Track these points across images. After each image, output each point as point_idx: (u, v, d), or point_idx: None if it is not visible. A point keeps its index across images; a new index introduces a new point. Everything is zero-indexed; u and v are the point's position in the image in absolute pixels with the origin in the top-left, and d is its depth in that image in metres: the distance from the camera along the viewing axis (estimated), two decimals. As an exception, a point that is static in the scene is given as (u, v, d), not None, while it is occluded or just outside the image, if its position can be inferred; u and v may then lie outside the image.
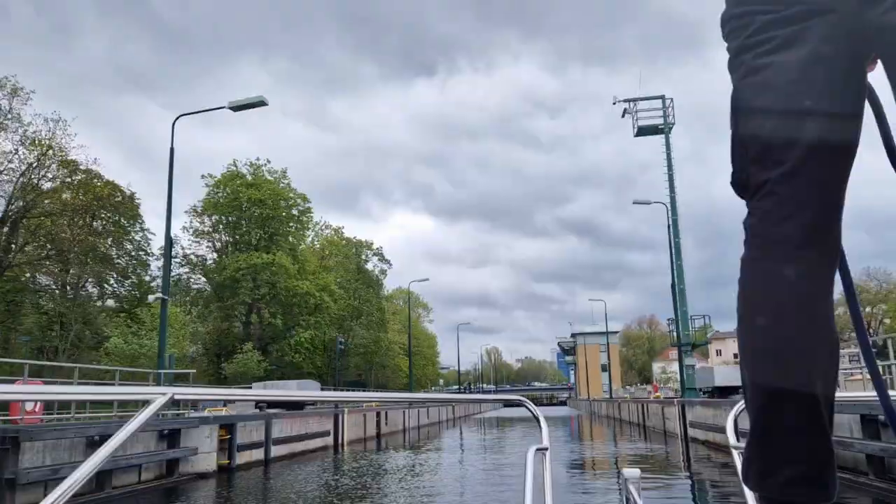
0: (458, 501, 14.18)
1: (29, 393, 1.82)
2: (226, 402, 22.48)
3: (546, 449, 2.37)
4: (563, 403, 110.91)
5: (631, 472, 2.13)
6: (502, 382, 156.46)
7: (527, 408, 2.58)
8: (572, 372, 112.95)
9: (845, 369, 25.16)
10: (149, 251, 42.54)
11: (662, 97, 41.97)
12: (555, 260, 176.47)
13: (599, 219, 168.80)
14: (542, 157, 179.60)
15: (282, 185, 48.11)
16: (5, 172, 32.64)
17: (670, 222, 37.78)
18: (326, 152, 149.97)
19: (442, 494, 14.88)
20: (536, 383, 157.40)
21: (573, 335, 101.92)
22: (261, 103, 21.02)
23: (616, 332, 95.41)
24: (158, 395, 1.44)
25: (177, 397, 1.50)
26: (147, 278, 41.93)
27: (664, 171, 39.81)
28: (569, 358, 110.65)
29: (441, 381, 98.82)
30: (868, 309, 62.73)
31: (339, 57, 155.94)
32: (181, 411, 20.91)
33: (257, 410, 23.64)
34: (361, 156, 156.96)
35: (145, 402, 1.43)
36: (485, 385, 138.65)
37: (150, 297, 33.97)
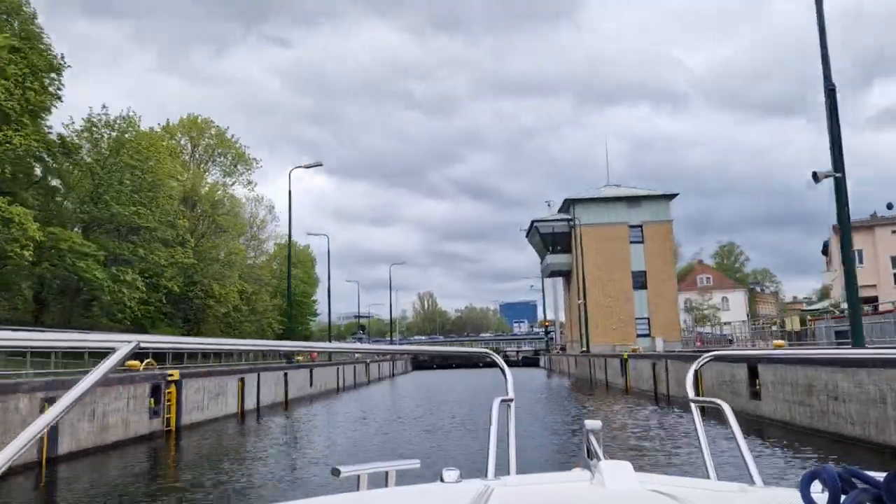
0: (426, 450, 15.75)
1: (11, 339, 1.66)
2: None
3: (511, 400, 2.57)
4: (533, 362, 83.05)
5: (593, 423, 2.17)
6: (436, 333, 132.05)
7: (493, 360, 2.90)
8: (547, 302, 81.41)
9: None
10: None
11: None
12: (462, 220, 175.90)
13: (492, 181, 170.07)
14: (424, 118, 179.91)
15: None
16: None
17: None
18: (209, 109, 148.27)
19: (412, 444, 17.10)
20: (484, 334, 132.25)
21: (568, 203, 60.35)
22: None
23: (673, 196, 60.05)
24: (123, 343, 1.40)
25: (143, 345, 1.45)
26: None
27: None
28: (552, 261, 62.63)
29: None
30: None
31: (199, 10, 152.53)
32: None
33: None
34: (244, 112, 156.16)
35: (108, 351, 1.40)
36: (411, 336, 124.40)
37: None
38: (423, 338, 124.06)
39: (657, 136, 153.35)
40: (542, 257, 66.74)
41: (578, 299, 58.48)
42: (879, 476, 1.18)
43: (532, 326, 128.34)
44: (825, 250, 56.61)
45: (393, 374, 70.35)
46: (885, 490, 1.12)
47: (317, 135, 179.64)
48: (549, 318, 78.87)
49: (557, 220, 61.96)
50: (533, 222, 62.63)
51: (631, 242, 59.64)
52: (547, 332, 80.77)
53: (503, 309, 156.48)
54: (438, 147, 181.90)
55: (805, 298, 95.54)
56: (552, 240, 62.08)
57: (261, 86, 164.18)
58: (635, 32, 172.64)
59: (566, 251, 61.82)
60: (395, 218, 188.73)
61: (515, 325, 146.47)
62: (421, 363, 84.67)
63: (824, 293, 66.73)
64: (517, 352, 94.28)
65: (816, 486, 1.21)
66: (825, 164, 16.49)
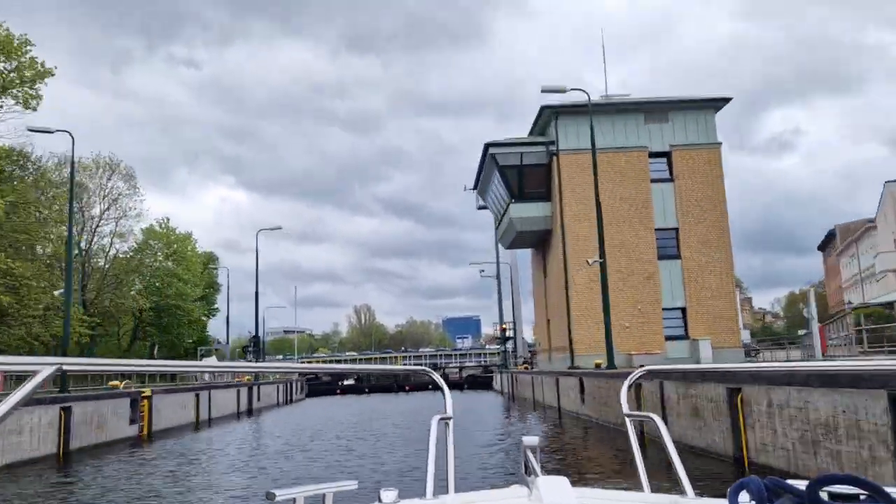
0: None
1: None
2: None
3: (450, 418, 2.57)
4: (484, 383, 60.36)
5: (530, 439, 2.27)
6: (371, 349, 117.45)
7: (431, 377, 2.92)
8: (505, 292, 55.00)
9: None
10: None
11: None
12: (391, 237, 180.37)
13: (417, 198, 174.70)
14: (346, 136, 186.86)
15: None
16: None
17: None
18: (125, 123, 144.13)
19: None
20: (425, 349, 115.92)
21: (549, 115, 35.39)
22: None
23: (723, 102, 35.62)
24: (45, 367, 1.38)
25: (65, 368, 1.44)
26: None
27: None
28: (519, 215, 37.09)
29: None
30: None
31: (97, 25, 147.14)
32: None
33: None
34: (160, 126, 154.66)
35: (30, 375, 1.38)
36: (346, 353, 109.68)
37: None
38: (353, 354, 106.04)
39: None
40: (500, 215, 40.78)
41: (564, 280, 33.47)
42: (801, 485, 1.30)
43: (477, 341, 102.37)
44: None
45: (288, 401, 49.51)
46: (808, 498, 1.24)
47: (238, 150, 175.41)
48: (505, 319, 53.03)
49: (528, 142, 36.48)
50: (487, 149, 36.43)
51: (653, 181, 35.13)
52: (505, 340, 54.69)
53: (446, 324, 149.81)
54: (362, 165, 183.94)
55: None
56: (518, 179, 36.60)
57: (174, 101, 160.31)
58: (546, 53, 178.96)
59: (542, 198, 36.37)
60: (323, 235, 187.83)
61: (459, 340, 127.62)
62: (322, 387, 58.14)
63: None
64: (460, 368, 68.84)
65: (744, 497, 1.30)
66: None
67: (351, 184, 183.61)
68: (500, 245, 45.04)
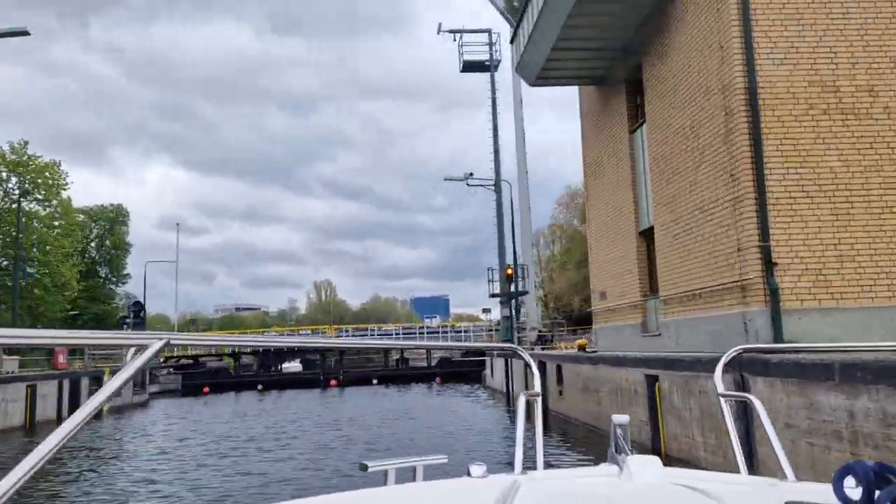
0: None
1: (17, 337, 1.35)
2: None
3: (538, 395, 2.50)
4: (466, 375, 39.91)
5: (620, 417, 2.07)
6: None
7: (520, 355, 2.92)
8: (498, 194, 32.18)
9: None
10: None
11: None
12: (343, 219, 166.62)
13: (363, 181, 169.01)
14: (284, 117, 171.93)
15: None
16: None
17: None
18: (57, 100, 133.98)
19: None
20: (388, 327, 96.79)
21: None
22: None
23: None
24: (154, 340, 1.44)
25: (172, 342, 1.51)
26: None
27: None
28: None
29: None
30: None
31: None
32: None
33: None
34: (93, 104, 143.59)
35: (141, 347, 1.43)
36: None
37: None
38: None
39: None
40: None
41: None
42: None
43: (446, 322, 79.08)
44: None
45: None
46: None
47: (176, 129, 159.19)
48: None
49: None
50: None
51: None
52: (514, 296, 29.17)
53: (414, 303, 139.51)
54: (304, 146, 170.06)
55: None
56: None
57: (102, 77, 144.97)
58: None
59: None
60: (272, 216, 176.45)
61: (427, 320, 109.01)
62: (217, 379, 36.68)
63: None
64: (427, 352, 43.35)
65: (850, 482, 1.22)
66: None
67: (295, 165, 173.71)
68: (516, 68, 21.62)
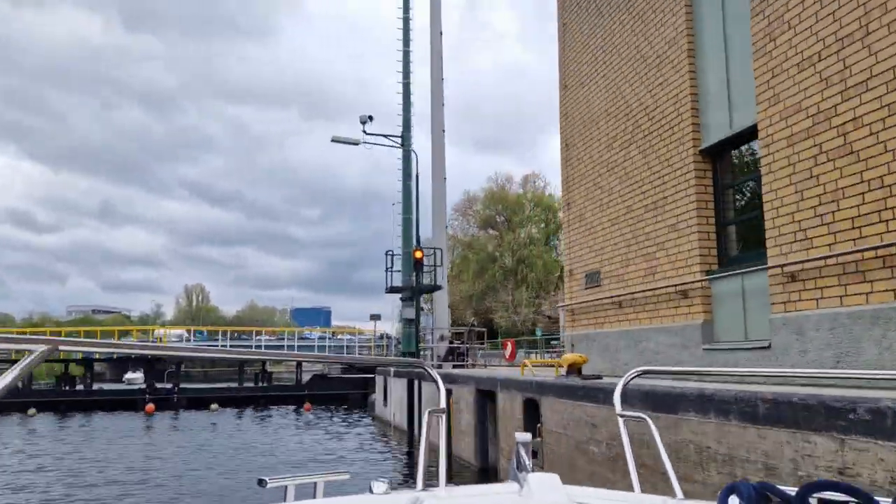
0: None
1: None
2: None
3: (443, 411, 2.43)
4: (343, 398, 30.08)
5: (523, 435, 2.15)
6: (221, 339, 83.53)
7: (424, 370, 2.77)
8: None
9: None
10: None
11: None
12: (211, 224, 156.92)
13: (229, 186, 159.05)
14: (141, 113, 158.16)
15: None
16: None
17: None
18: None
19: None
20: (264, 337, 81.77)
21: None
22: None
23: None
24: (40, 346, 1.31)
25: (61, 348, 1.38)
26: None
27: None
28: None
29: None
30: None
31: None
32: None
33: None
34: None
35: (26, 353, 1.32)
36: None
37: None
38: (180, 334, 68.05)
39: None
40: None
41: None
42: (791, 491, 1.27)
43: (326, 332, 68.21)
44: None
45: None
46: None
47: (21, 118, 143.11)
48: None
49: None
50: None
51: None
52: (419, 293, 20.22)
53: (294, 314, 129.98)
54: (164, 146, 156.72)
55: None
56: None
57: None
58: (339, 57, 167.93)
59: None
60: (131, 217, 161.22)
61: (308, 334, 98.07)
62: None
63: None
64: (298, 364, 32.37)
65: (734, 500, 1.25)
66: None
67: (153, 164, 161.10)
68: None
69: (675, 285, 9.23)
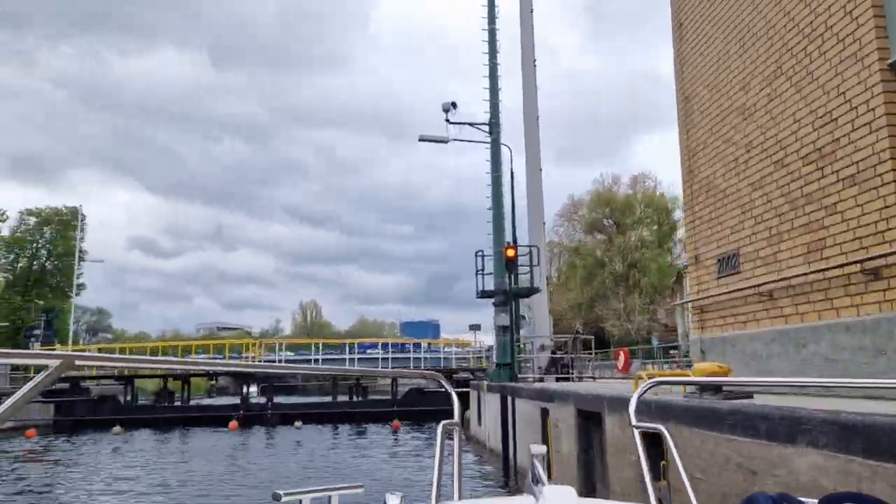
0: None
1: None
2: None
3: (457, 425, 2.50)
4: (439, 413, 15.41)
5: (537, 448, 2.24)
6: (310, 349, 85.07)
7: (439, 382, 2.81)
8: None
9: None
10: None
11: None
12: (311, 244, 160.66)
13: (325, 207, 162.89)
14: (240, 144, 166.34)
15: None
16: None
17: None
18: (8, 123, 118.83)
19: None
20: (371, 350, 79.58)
21: None
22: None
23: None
24: (56, 360, 1.31)
25: (77, 363, 1.37)
26: None
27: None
28: None
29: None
30: None
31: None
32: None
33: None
34: (48, 128, 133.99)
35: (38, 368, 1.32)
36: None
37: None
38: (289, 354, 69.25)
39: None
40: None
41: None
42: (812, 502, 1.26)
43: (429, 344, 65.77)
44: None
45: None
46: None
47: (136, 154, 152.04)
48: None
49: None
50: None
51: None
52: (514, 298, 17.78)
53: (403, 327, 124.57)
54: (263, 173, 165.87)
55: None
56: None
57: (55, 103, 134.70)
58: (413, 76, 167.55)
59: None
60: (241, 240, 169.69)
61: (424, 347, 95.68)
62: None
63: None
64: (393, 381, 29.97)
65: None
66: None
67: (255, 191, 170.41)
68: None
69: (860, 262, 6.37)
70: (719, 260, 9.10)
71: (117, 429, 24.79)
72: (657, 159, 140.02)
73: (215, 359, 32.55)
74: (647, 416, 7.13)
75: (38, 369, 1.33)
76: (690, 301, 9.95)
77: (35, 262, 60.36)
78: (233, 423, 25.19)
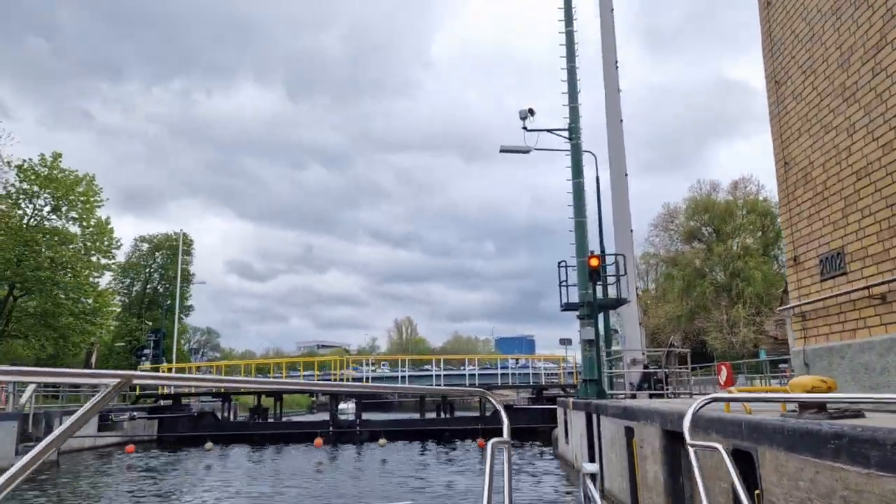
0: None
1: None
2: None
3: (507, 442, 2.58)
4: (544, 435, 25.15)
5: (589, 466, 2.38)
6: (401, 367, 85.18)
7: (489, 400, 2.79)
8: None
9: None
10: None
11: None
12: (396, 264, 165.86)
13: (405, 228, 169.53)
14: (323, 171, 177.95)
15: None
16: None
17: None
18: (107, 158, 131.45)
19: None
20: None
21: None
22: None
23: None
24: (115, 379, 1.36)
25: (135, 382, 1.42)
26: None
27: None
28: None
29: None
30: None
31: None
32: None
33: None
34: (148, 161, 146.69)
35: (103, 387, 1.36)
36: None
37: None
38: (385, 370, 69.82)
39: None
40: None
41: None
42: None
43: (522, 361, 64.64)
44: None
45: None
46: None
47: (229, 183, 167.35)
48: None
49: None
50: None
51: None
52: (600, 310, 16.85)
53: (498, 343, 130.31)
54: (346, 197, 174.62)
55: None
56: None
57: (152, 139, 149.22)
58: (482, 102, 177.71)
59: None
60: (329, 262, 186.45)
61: (511, 361, 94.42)
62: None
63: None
64: (480, 407, 29.54)
65: None
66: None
67: (339, 213, 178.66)
68: None
69: None
70: (822, 260, 8.05)
71: (209, 445, 25.41)
72: (743, 165, 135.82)
73: (306, 377, 33.04)
74: (738, 438, 6.26)
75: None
76: (790, 307, 8.88)
77: (148, 286, 64.16)
78: (318, 440, 25.28)
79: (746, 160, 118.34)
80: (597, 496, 2.14)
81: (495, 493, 2.27)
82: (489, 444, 2.40)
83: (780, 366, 34.94)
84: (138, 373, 1.43)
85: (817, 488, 4.69)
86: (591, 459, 13.70)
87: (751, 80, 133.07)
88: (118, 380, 1.32)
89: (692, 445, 2.38)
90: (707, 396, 2.56)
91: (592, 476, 2.27)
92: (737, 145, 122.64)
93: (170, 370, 33.83)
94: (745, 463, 6.13)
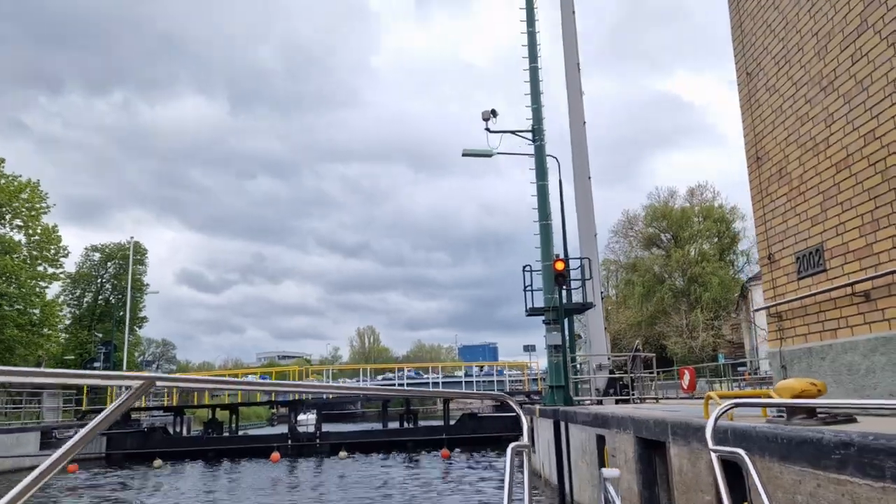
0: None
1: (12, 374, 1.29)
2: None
3: (526, 447, 2.43)
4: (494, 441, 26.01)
5: (610, 472, 2.32)
6: (363, 377, 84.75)
7: (509, 404, 2.68)
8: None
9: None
10: None
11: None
12: (350, 274, 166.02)
13: (359, 238, 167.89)
14: (270, 181, 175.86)
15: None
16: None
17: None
18: (55, 168, 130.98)
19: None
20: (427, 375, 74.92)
21: None
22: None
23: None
24: (139, 381, 1.36)
25: (158, 383, 1.43)
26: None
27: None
28: None
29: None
30: None
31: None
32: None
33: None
34: (93, 171, 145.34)
35: (126, 388, 1.36)
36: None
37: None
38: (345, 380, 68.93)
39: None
40: None
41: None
42: None
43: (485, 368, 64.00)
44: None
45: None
46: None
47: (176, 194, 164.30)
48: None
49: None
50: None
51: None
52: (566, 315, 16.69)
53: (462, 351, 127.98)
54: (294, 207, 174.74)
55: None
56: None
57: (96, 149, 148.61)
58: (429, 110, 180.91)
59: None
60: (283, 272, 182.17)
61: (476, 370, 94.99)
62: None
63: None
64: (445, 402, 28.23)
65: None
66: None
67: (289, 223, 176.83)
68: None
69: None
70: (798, 258, 7.71)
71: (157, 462, 24.24)
72: (680, 176, 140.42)
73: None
74: (724, 445, 5.82)
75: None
76: (765, 308, 8.54)
77: (100, 297, 61.86)
78: (274, 455, 24.21)
79: (681, 171, 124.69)
80: (618, 501, 2.08)
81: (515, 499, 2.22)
82: (509, 448, 2.31)
83: (739, 369, 35.24)
84: (161, 375, 1.41)
85: (819, 503, 4.24)
86: (559, 469, 13.23)
87: (682, 95, 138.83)
88: (141, 382, 1.33)
89: (714, 451, 2.28)
90: (728, 402, 2.34)
91: (614, 481, 2.23)
92: (674, 156, 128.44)
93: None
94: (732, 474, 5.68)
